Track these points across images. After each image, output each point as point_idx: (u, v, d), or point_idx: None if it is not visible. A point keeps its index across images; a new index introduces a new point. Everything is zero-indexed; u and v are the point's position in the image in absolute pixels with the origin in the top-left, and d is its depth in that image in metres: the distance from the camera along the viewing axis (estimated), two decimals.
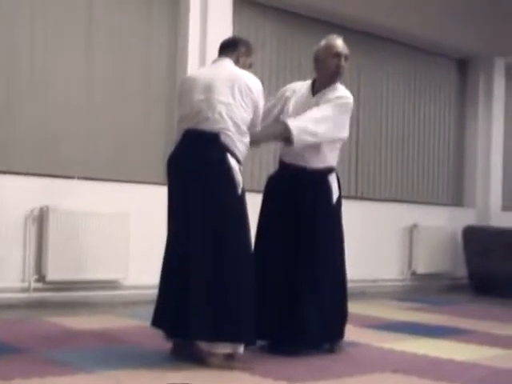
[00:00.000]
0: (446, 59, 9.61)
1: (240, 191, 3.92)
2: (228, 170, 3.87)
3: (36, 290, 5.81)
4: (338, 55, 4.39)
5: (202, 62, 6.53)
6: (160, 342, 4.07)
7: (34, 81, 6.04)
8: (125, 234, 6.22)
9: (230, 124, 3.90)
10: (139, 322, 5.07)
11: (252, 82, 4.04)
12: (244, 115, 3.95)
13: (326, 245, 4.37)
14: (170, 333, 3.97)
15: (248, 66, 4.21)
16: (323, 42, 4.48)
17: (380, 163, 8.75)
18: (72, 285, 5.99)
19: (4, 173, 5.77)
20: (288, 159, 4.46)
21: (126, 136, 6.56)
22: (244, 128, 3.97)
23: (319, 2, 7.58)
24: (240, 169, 3.96)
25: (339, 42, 4.44)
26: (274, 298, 4.28)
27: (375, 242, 8.16)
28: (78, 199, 6.02)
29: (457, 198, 9.74)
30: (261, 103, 4.10)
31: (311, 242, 4.32)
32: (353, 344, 4.63)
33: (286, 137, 4.21)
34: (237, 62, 4.13)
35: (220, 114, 3.89)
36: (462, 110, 9.82)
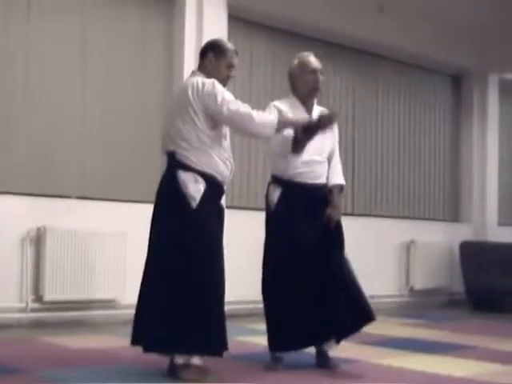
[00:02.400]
0: (440, 76, 9.67)
1: (195, 204, 3.90)
2: (174, 183, 3.92)
3: (33, 310, 5.80)
4: (314, 71, 4.47)
5: None
6: (157, 360, 4.07)
7: (28, 101, 6.05)
8: (122, 253, 6.22)
9: (178, 141, 3.96)
10: None
11: (193, 88, 3.92)
12: (195, 126, 3.92)
13: (344, 249, 4.53)
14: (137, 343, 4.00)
15: (226, 67, 4.07)
16: (296, 61, 4.54)
17: (376, 179, 8.77)
18: (69, 304, 5.98)
19: (0, 193, 5.78)
20: (300, 179, 4.44)
21: (123, 155, 6.58)
22: (197, 139, 3.92)
23: (313, 20, 7.62)
24: (197, 180, 3.91)
25: (312, 58, 4.52)
26: (307, 304, 4.32)
27: (372, 258, 8.15)
28: (75, 219, 6.03)
29: (453, 213, 9.76)
30: (210, 91, 3.88)
31: (338, 247, 4.47)
32: (351, 360, 4.62)
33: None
34: (207, 72, 4.04)
35: (169, 135, 4.03)
36: (456, 126, 9.87)
